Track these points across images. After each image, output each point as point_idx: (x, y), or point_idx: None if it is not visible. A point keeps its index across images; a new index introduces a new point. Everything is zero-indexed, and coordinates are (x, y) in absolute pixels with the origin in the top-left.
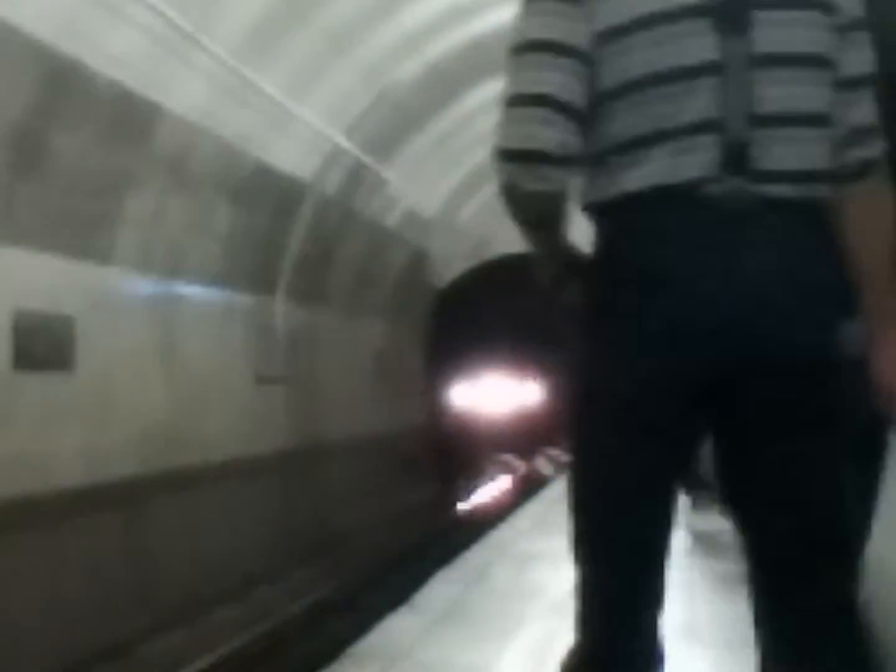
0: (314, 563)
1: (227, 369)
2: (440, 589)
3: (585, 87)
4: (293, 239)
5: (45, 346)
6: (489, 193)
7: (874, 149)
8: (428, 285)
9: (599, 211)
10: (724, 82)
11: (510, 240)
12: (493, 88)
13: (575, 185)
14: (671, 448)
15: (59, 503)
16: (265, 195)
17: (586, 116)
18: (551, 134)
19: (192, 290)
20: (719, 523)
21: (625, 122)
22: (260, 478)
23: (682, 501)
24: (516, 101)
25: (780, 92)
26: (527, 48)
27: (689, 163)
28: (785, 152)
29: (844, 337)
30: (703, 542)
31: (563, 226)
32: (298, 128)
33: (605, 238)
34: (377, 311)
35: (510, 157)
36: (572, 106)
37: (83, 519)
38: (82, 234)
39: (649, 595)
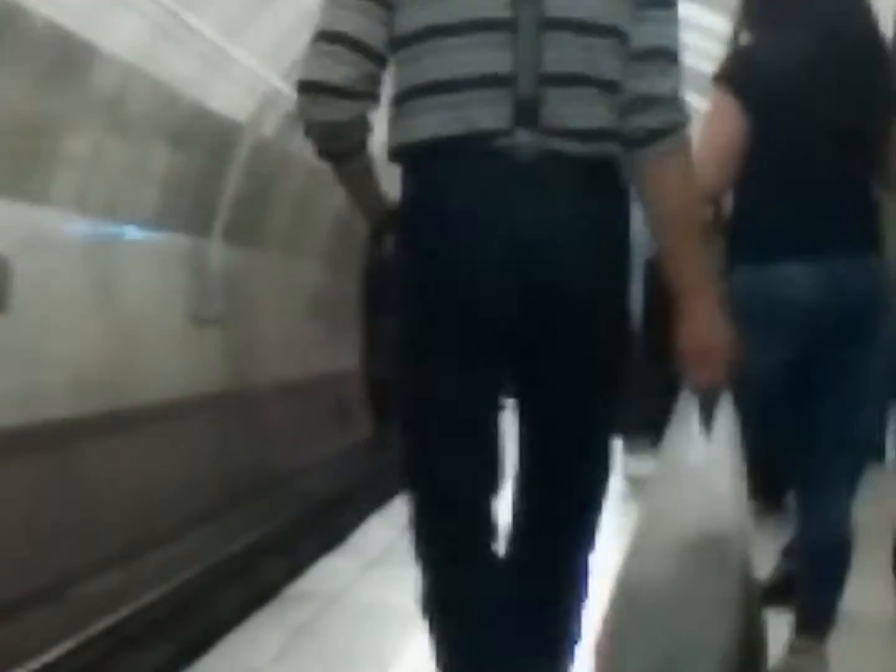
0: (250, 505)
1: (164, 311)
2: (376, 531)
3: (384, 30)
4: (230, 181)
5: None
6: None
7: (660, 119)
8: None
9: (400, 156)
10: (515, 40)
11: None
12: None
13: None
14: (480, 382)
15: None
16: (202, 137)
17: (385, 57)
18: (341, 68)
19: (129, 232)
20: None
21: (419, 68)
22: (196, 419)
23: (618, 445)
24: (316, 37)
25: (568, 54)
26: None
27: (482, 114)
28: (573, 111)
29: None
30: (639, 487)
31: (367, 168)
32: (235, 70)
33: (405, 184)
34: (315, 253)
35: (303, 88)
36: (368, 46)
37: (18, 460)
38: (17, 175)
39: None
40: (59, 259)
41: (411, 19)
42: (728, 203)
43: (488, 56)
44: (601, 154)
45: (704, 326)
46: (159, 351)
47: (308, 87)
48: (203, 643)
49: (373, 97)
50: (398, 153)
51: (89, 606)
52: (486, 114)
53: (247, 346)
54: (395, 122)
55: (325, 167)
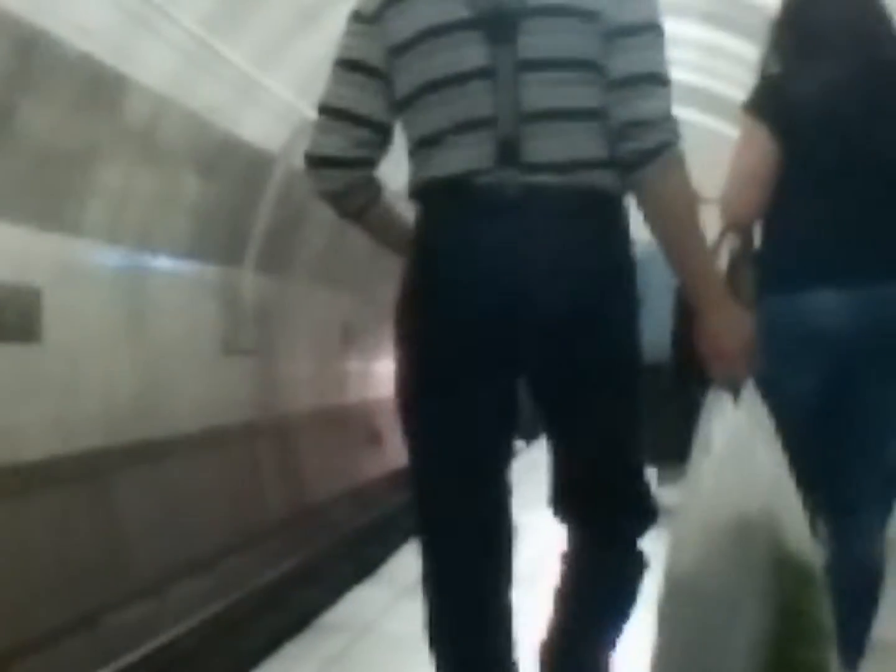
0: (282, 535)
1: (196, 341)
2: (406, 561)
3: (379, 98)
4: (261, 211)
5: (11, 317)
6: None
7: (649, 141)
8: (399, 258)
9: (412, 199)
10: (494, 85)
11: None
12: None
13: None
14: (486, 409)
15: (27, 475)
16: (233, 167)
17: (382, 123)
18: (332, 139)
19: (161, 262)
20: None
21: (417, 123)
22: (229, 449)
23: (650, 475)
24: (318, 111)
25: (544, 92)
26: (335, 65)
27: (466, 156)
28: (551, 145)
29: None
30: (671, 516)
31: (385, 219)
32: (267, 100)
33: (414, 224)
34: (346, 284)
35: (304, 160)
36: (358, 115)
37: (51, 491)
38: (50, 205)
39: (491, 575)
40: (91, 289)
41: (405, 84)
42: (757, 232)
43: (471, 103)
44: (588, 183)
45: (720, 325)
46: (191, 381)
47: (306, 160)
48: None
49: (368, 162)
50: (411, 197)
51: (121, 637)
52: (469, 156)
53: (278, 377)
54: (410, 170)
55: None
